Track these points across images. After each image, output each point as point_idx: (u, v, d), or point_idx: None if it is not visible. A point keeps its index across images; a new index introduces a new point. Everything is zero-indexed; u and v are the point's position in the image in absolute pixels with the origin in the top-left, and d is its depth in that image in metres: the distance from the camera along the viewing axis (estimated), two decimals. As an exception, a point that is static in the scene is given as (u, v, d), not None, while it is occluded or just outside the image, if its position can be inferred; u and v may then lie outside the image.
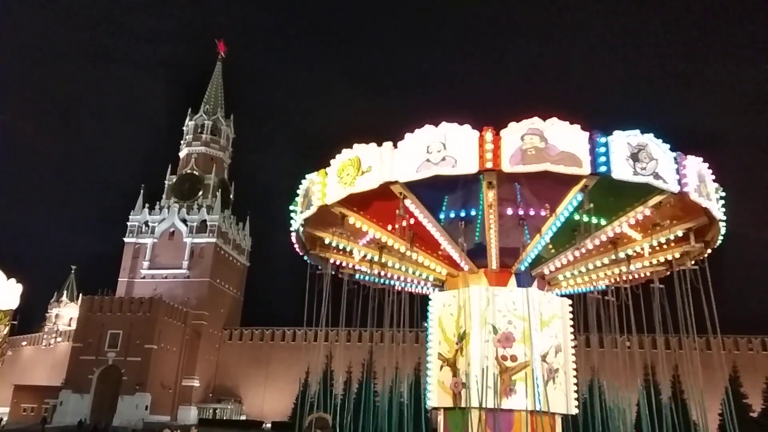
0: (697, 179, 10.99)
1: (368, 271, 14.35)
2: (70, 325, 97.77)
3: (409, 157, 10.66)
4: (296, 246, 14.08)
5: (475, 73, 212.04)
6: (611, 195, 10.96)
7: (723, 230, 12.34)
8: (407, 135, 10.87)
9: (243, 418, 79.42)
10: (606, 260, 12.92)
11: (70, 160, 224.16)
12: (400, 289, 15.34)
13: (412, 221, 11.99)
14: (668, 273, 13.67)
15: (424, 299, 14.26)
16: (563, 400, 12.34)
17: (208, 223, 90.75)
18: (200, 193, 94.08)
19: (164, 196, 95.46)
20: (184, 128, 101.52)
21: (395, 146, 10.99)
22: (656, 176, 10.29)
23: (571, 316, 13.31)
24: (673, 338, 13.42)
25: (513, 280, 12.80)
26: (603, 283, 14.39)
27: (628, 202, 11.31)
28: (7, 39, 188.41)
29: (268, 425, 72.07)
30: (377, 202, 11.65)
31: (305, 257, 14.46)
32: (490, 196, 10.92)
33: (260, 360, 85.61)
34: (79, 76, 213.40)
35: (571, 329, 13.22)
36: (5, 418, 70.10)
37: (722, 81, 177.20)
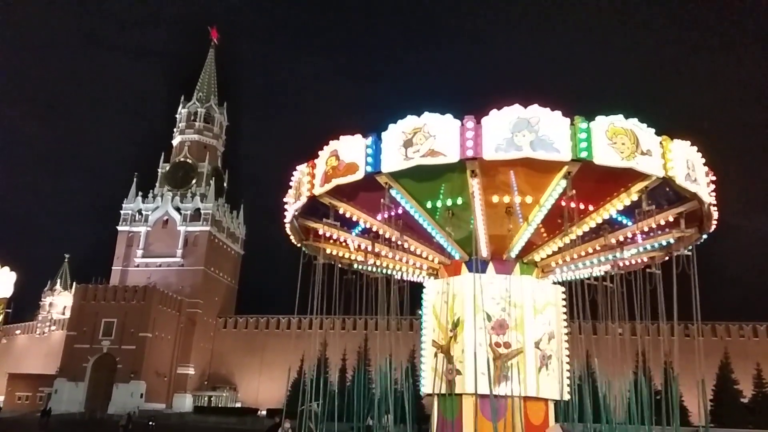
0: (509, 131, 9.74)
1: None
2: (64, 314, 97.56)
3: (289, 194, 13.10)
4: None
5: (469, 64, 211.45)
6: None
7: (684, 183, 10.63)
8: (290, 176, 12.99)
9: (238, 405, 79.81)
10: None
11: (63, 149, 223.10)
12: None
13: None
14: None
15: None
16: (556, 386, 12.47)
17: (202, 212, 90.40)
18: (194, 181, 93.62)
19: (157, 185, 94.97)
20: (177, 116, 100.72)
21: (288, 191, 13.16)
22: (429, 153, 9.99)
23: (564, 303, 13.40)
24: (666, 325, 13.47)
25: (464, 267, 13.02)
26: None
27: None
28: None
29: (263, 412, 72.37)
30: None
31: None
32: (341, 211, 12.36)
33: (255, 348, 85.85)
34: (70, 64, 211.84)
35: (564, 316, 13.32)
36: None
37: (718, 71, 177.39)
